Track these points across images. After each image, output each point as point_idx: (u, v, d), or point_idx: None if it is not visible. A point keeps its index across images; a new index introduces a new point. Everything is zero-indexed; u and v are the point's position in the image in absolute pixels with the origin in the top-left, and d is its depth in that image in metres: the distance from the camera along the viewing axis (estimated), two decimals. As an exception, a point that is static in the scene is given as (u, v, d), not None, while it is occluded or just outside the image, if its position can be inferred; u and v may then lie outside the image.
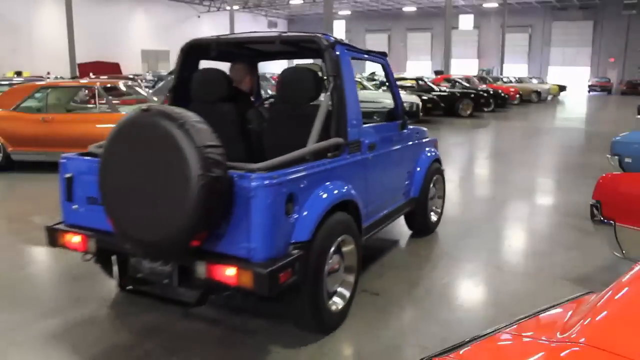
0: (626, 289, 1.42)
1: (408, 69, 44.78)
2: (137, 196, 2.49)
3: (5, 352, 2.82)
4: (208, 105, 3.50)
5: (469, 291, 3.75)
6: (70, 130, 7.62)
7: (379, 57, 4.18)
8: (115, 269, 3.02)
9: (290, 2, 40.51)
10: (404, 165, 4.34)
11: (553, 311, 1.50)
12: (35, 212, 5.71)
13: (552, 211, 5.93)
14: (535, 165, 8.91)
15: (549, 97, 28.75)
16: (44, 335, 2.99)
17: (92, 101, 9.02)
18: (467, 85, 20.70)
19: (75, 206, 3.09)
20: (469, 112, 17.95)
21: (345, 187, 3.12)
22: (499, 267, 4.15)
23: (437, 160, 4.84)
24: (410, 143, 4.44)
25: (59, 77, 19.04)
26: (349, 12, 45.44)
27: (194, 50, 3.91)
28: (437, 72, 32.31)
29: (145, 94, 9.22)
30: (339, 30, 32.04)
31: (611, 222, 3.36)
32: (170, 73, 18.83)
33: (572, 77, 41.45)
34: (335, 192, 3.00)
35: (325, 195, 2.89)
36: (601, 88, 39.01)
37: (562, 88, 33.09)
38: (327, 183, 2.98)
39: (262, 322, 3.12)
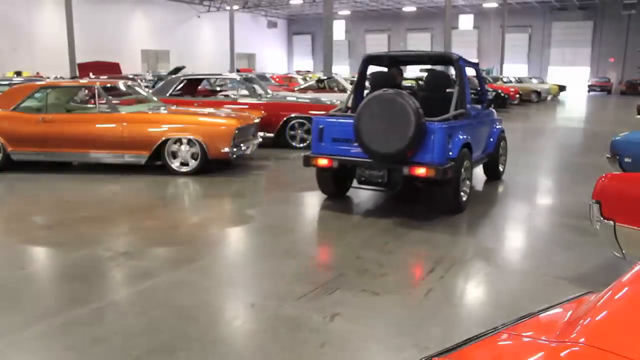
0: (626, 289, 1.41)
1: (408, 69, 44.70)
2: (380, 132, 4.96)
3: (6, 352, 2.82)
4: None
5: (470, 290, 3.76)
6: (70, 130, 7.61)
7: (475, 65, 6.74)
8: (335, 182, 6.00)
9: (290, 2, 40.51)
10: (486, 131, 6.74)
11: (553, 311, 1.50)
12: (35, 212, 5.71)
13: (551, 211, 5.93)
14: (536, 164, 8.91)
15: (549, 97, 28.73)
16: (43, 336, 2.99)
17: (92, 101, 8.99)
18: (467, 85, 20.63)
19: (323, 144, 5.52)
20: (468, 112, 17.91)
21: (467, 136, 5.54)
22: (499, 267, 4.16)
23: (502, 131, 7.27)
24: (490, 118, 6.91)
25: (59, 77, 18.99)
26: (348, 12, 45.41)
27: (370, 60, 6.39)
28: (437, 72, 32.21)
29: (145, 94, 9.20)
30: (339, 31, 31.95)
31: (615, 222, 3.35)
32: (170, 73, 18.83)
33: (572, 77, 41.43)
34: (463, 137, 5.44)
35: (460, 138, 5.37)
36: (601, 88, 38.98)
37: (562, 88, 33.05)
38: (459, 132, 5.42)
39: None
